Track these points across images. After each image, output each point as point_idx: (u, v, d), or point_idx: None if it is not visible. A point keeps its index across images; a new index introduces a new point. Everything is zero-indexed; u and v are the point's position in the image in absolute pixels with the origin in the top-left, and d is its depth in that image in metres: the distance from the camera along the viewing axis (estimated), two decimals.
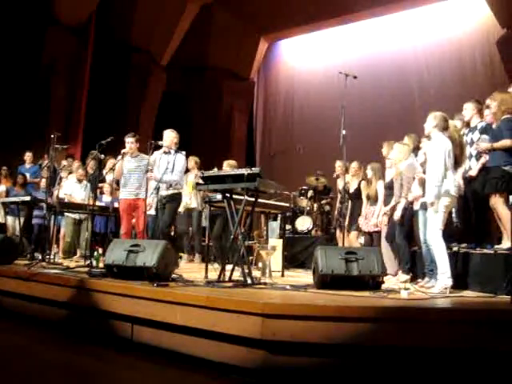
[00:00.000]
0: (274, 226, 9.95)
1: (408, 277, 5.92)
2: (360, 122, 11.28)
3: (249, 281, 4.89)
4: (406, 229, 6.10)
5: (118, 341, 4.34)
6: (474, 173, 5.57)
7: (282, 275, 6.73)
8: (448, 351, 3.39)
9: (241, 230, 5.12)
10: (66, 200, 8.77)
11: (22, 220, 8.65)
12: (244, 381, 3.47)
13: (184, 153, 7.04)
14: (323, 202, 10.21)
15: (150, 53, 14.43)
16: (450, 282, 4.60)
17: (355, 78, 6.23)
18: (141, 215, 7.17)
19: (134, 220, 7.65)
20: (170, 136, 6.99)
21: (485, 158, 5.51)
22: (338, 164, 8.30)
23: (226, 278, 5.05)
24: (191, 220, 9.07)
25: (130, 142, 7.19)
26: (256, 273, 5.59)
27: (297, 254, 9.23)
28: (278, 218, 9.81)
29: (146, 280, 4.72)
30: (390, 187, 6.73)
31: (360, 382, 3.41)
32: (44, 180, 9.72)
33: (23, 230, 8.84)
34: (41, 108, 12.12)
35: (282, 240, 7.73)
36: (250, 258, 7.41)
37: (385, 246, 6.54)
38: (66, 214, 8.85)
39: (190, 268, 7.21)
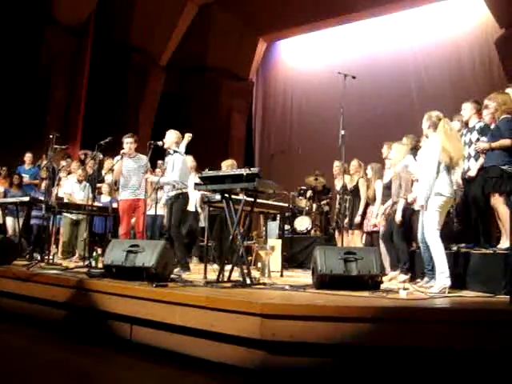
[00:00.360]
0: (273, 226, 9.96)
1: (407, 276, 5.93)
2: (359, 122, 11.29)
3: (248, 281, 4.89)
4: (403, 229, 6.11)
5: (117, 341, 4.33)
6: (472, 173, 5.57)
7: (281, 275, 6.74)
8: (447, 351, 3.39)
9: (240, 230, 5.12)
10: (65, 199, 8.76)
11: (20, 220, 8.65)
12: (243, 381, 3.47)
13: (182, 152, 6.98)
14: (323, 202, 10.22)
15: (148, 53, 14.43)
16: (448, 282, 4.61)
17: (354, 78, 6.24)
18: (140, 215, 7.18)
19: (133, 220, 7.67)
20: (169, 137, 6.97)
21: (483, 159, 5.51)
22: (336, 164, 8.32)
23: (225, 279, 5.06)
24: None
25: (129, 142, 7.19)
26: (255, 273, 5.59)
27: (296, 254, 9.24)
28: (277, 218, 9.82)
29: (145, 280, 4.72)
30: (388, 187, 6.74)
31: (359, 382, 3.41)
32: (43, 181, 9.73)
33: (22, 230, 8.83)
34: (40, 108, 12.11)
35: (280, 240, 7.74)
36: (249, 258, 7.42)
37: (384, 246, 6.56)
38: (63, 214, 8.84)
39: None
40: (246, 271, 4.98)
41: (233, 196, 5.26)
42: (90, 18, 13.20)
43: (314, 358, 3.44)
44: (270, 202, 7.55)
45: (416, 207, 5.14)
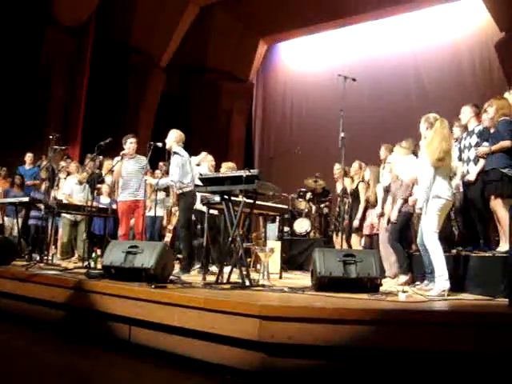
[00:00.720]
0: (273, 228, 9.97)
1: (407, 277, 5.93)
2: (359, 125, 11.29)
3: (247, 283, 4.89)
4: (399, 230, 6.12)
5: (116, 342, 4.33)
6: (472, 177, 5.57)
7: (280, 277, 6.74)
8: (446, 354, 3.39)
9: (239, 232, 5.12)
10: (64, 200, 8.77)
11: (20, 221, 8.65)
12: (242, 382, 3.46)
13: (181, 152, 6.93)
14: (323, 205, 10.22)
15: (149, 54, 14.44)
16: (447, 285, 4.60)
17: (354, 80, 6.26)
18: (140, 217, 7.19)
19: (132, 221, 7.67)
20: (169, 136, 6.97)
21: (483, 162, 5.51)
22: (337, 167, 8.33)
23: (224, 280, 5.06)
24: None
25: (133, 142, 7.23)
26: (254, 275, 5.58)
27: (295, 256, 9.24)
28: (277, 220, 9.83)
29: (144, 281, 4.71)
30: (387, 190, 6.75)
31: None
32: (43, 181, 9.74)
33: (21, 230, 8.83)
34: (40, 108, 12.12)
35: (280, 242, 7.74)
36: (248, 260, 7.42)
37: (383, 248, 6.56)
38: (62, 214, 8.84)
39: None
40: (245, 273, 4.98)
41: (232, 198, 5.25)
42: (91, 18, 13.20)
43: (312, 360, 3.44)
44: (269, 203, 7.55)
45: (417, 210, 5.14)
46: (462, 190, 5.81)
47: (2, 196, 9.84)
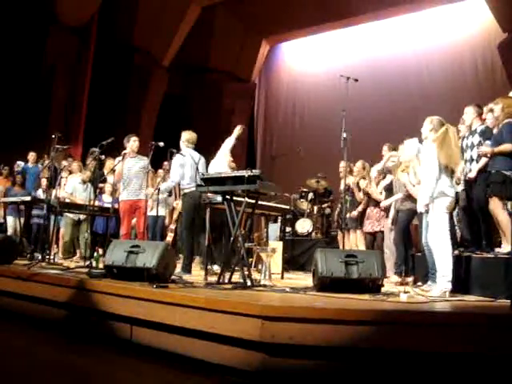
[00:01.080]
0: (274, 228, 9.96)
1: (399, 279, 5.95)
2: (361, 125, 11.27)
3: (248, 283, 4.89)
4: (403, 231, 6.14)
5: (118, 341, 4.33)
6: (472, 175, 5.57)
7: (282, 277, 6.74)
8: (447, 355, 3.38)
9: (241, 232, 5.12)
10: (66, 199, 8.77)
11: (22, 220, 8.66)
12: (242, 383, 3.46)
13: (180, 152, 6.93)
14: (325, 205, 10.22)
15: (151, 54, 14.45)
16: (449, 286, 4.60)
17: (356, 81, 6.26)
18: (141, 216, 7.20)
19: (134, 221, 7.68)
20: (181, 138, 7.01)
21: (484, 161, 5.51)
22: (342, 165, 8.33)
23: (226, 280, 5.06)
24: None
25: (136, 140, 7.28)
26: (255, 275, 5.58)
27: (297, 256, 9.24)
28: (279, 221, 9.82)
29: (146, 281, 4.72)
30: (389, 189, 6.76)
31: None
32: (44, 180, 9.73)
33: (23, 229, 8.84)
34: (42, 108, 12.14)
35: (281, 242, 7.74)
36: (250, 260, 7.41)
37: (387, 249, 6.57)
38: (65, 214, 8.84)
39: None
40: (246, 273, 4.98)
41: (234, 198, 5.25)
42: (94, 18, 13.22)
43: (313, 360, 3.43)
44: (271, 204, 7.55)
45: (418, 209, 5.14)
46: (460, 188, 5.79)
47: (2, 195, 9.85)
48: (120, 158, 7.26)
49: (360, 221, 7.72)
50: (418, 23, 13.83)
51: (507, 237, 5.02)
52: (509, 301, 3.82)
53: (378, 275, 4.70)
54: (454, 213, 5.89)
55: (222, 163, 7.53)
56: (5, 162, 10.70)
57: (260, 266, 6.14)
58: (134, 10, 13.75)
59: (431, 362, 3.38)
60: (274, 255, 6.09)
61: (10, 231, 9.52)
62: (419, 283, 5.71)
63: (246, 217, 6.80)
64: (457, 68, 12.61)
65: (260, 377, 3.43)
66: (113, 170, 7.60)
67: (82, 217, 8.97)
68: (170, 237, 9.44)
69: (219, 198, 5.74)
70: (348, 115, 6.02)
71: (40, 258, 7.18)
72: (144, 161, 7.26)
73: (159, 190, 7.65)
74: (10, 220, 9.65)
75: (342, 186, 8.27)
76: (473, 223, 5.80)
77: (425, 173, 4.92)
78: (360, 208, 7.61)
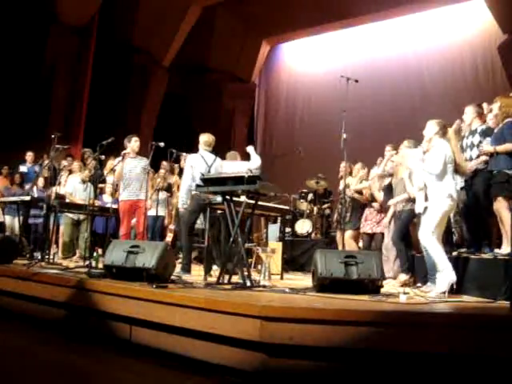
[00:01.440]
0: (274, 228, 9.96)
1: (407, 276, 5.94)
2: (361, 126, 11.28)
3: (248, 283, 4.90)
4: (402, 230, 6.14)
5: (117, 341, 4.33)
6: (471, 168, 5.56)
7: (281, 278, 6.74)
8: (446, 356, 3.38)
9: (241, 232, 5.12)
10: (67, 199, 8.77)
11: (21, 219, 8.65)
12: (242, 383, 3.46)
13: (190, 155, 6.97)
14: (324, 206, 10.22)
15: (151, 54, 14.44)
16: (454, 276, 4.63)
17: (356, 81, 6.25)
18: (141, 216, 7.20)
19: (133, 221, 7.68)
20: None
21: (484, 158, 5.52)
22: (343, 165, 8.33)
23: (225, 281, 5.06)
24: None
25: (138, 140, 7.30)
26: (255, 275, 5.58)
27: (296, 257, 9.24)
28: (278, 221, 9.82)
29: (146, 281, 4.72)
30: (388, 189, 6.76)
31: None
32: (41, 179, 9.74)
33: (22, 229, 8.83)
34: (42, 108, 12.13)
35: (281, 243, 7.74)
36: (250, 260, 7.42)
37: (385, 250, 6.57)
38: (65, 213, 8.84)
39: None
40: (246, 273, 4.98)
41: (234, 198, 5.25)
42: (94, 18, 13.21)
43: (313, 361, 3.44)
44: (271, 204, 7.56)
45: (417, 210, 5.15)
46: (460, 187, 5.79)
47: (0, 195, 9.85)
48: (120, 158, 7.27)
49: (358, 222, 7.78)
50: (418, 24, 13.83)
51: (508, 237, 5.03)
52: (508, 302, 3.82)
53: (377, 276, 4.70)
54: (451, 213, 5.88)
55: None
56: (4, 161, 10.70)
57: (259, 267, 6.14)
58: (135, 10, 13.74)
59: (431, 363, 3.38)
60: (273, 256, 6.09)
61: (7, 230, 9.51)
62: (418, 284, 5.71)
63: (246, 217, 6.80)
64: (457, 69, 12.62)
65: (260, 377, 3.44)
66: (112, 170, 7.61)
67: (81, 217, 8.97)
68: (169, 237, 9.46)
69: (219, 199, 5.74)
70: (348, 116, 6.01)
71: (39, 257, 7.18)
72: (144, 161, 7.27)
73: (158, 190, 7.69)
74: (8, 219, 9.64)
75: (341, 187, 8.29)
76: (472, 223, 5.80)
77: (428, 173, 4.92)
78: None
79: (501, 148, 5.22)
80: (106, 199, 9.23)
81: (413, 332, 3.44)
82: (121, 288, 4.50)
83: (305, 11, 14.18)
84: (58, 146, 7.90)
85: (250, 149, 7.53)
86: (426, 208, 4.92)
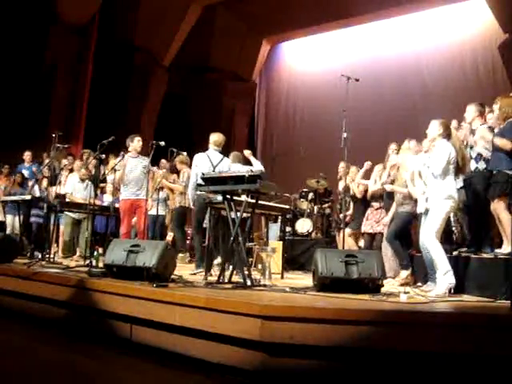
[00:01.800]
0: (274, 228, 9.96)
1: (408, 272, 5.94)
2: (361, 125, 11.27)
3: (248, 283, 4.89)
4: (398, 230, 6.13)
5: (118, 341, 4.34)
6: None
7: (282, 277, 6.73)
8: (447, 356, 3.38)
9: (241, 231, 5.12)
10: (67, 199, 8.76)
11: (21, 218, 8.65)
12: (242, 382, 3.47)
13: (196, 154, 7.01)
14: (325, 205, 10.21)
15: (152, 53, 14.44)
16: (453, 281, 4.62)
17: (357, 80, 6.24)
18: (142, 215, 7.21)
19: (134, 220, 7.68)
20: None
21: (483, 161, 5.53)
22: (342, 165, 8.32)
23: (226, 280, 5.06)
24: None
25: (141, 140, 7.34)
26: (256, 275, 5.58)
27: (297, 256, 9.23)
28: (279, 220, 9.82)
29: (146, 280, 4.73)
30: (390, 193, 6.74)
31: None
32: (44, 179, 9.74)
33: (22, 228, 8.84)
34: (43, 107, 12.15)
35: (282, 242, 7.74)
36: (250, 259, 7.42)
37: (385, 249, 6.57)
38: (65, 213, 8.84)
39: (190, 268, 7.19)
40: (246, 273, 4.98)
41: (234, 197, 5.25)
42: (94, 17, 13.21)
43: (313, 360, 3.44)
44: (271, 203, 7.56)
45: (419, 210, 5.14)
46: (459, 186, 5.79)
47: (1, 194, 9.84)
48: (120, 157, 7.29)
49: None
50: (418, 23, 13.83)
51: (508, 237, 5.02)
52: (509, 301, 3.82)
53: (377, 275, 4.70)
54: (451, 214, 5.88)
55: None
56: (5, 161, 10.70)
57: (260, 266, 6.14)
58: (135, 9, 13.74)
59: (431, 362, 3.38)
60: (274, 255, 6.09)
61: (8, 229, 9.52)
62: (419, 283, 5.70)
63: (247, 216, 6.79)
64: (457, 68, 12.61)
65: (260, 376, 3.44)
66: (113, 169, 7.61)
67: (82, 216, 8.97)
68: (170, 236, 9.45)
69: (220, 198, 5.75)
70: (348, 115, 6.01)
71: (40, 256, 7.19)
72: (146, 161, 7.29)
73: (159, 189, 7.71)
74: (9, 218, 9.64)
75: (340, 187, 8.31)
76: (472, 223, 5.80)
77: (430, 173, 4.91)
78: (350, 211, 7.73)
79: (498, 141, 5.19)
80: (107, 198, 9.23)
81: (413, 331, 3.44)
82: (121, 287, 4.50)
83: (305, 11, 14.18)
84: (58, 145, 7.90)
85: (248, 153, 7.48)
86: (427, 209, 4.92)
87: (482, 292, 4.73)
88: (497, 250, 5.23)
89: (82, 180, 9.06)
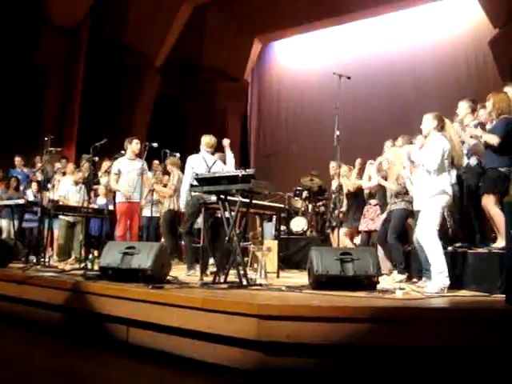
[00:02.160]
0: (269, 227, 9.96)
1: (404, 276, 5.94)
2: (354, 123, 11.31)
3: (244, 282, 4.89)
4: (397, 228, 6.13)
5: (114, 343, 4.33)
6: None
7: (278, 276, 6.74)
8: (443, 351, 3.39)
9: (236, 231, 5.12)
10: (60, 202, 8.73)
11: (16, 223, 8.62)
12: (240, 382, 3.47)
13: (191, 156, 6.97)
14: (319, 203, 10.22)
15: (143, 54, 14.42)
16: (447, 282, 4.62)
17: (349, 78, 6.24)
18: (136, 218, 7.23)
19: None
20: None
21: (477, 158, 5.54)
22: (332, 165, 8.33)
23: (222, 280, 5.06)
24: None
25: (139, 143, 7.32)
26: (251, 274, 5.59)
27: (292, 254, 9.24)
28: (273, 219, 9.82)
29: (142, 282, 4.72)
30: (383, 190, 6.75)
31: (356, 383, 3.42)
32: (35, 183, 9.70)
33: (17, 233, 8.80)
34: (34, 109, 12.10)
35: (277, 241, 7.74)
36: (246, 259, 7.41)
37: (380, 246, 6.58)
38: (59, 216, 8.80)
39: (183, 269, 7.17)
40: (242, 272, 4.98)
41: (229, 197, 5.25)
42: (85, 18, 13.17)
43: (310, 358, 3.44)
44: (265, 202, 7.56)
45: (416, 207, 5.15)
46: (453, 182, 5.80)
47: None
48: (120, 159, 7.28)
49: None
50: (409, 20, 13.89)
51: (500, 232, 5.04)
52: (504, 296, 3.84)
53: (373, 272, 4.71)
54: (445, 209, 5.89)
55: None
56: None
57: (256, 265, 6.14)
58: (126, 9, 13.73)
59: (429, 357, 3.39)
60: (269, 254, 6.09)
61: (4, 234, 9.48)
62: (414, 280, 5.71)
63: (241, 216, 6.78)
64: (449, 64, 12.65)
65: (258, 376, 3.44)
66: (107, 172, 7.59)
67: (76, 219, 8.94)
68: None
69: (214, 198, 5.74)
70: (341, 113, 6.01)
71: (35, 260, 7.17)
72: (143, 163, 7.29)
73: (153, 190, 7.69)
74: (5, 223, 9.60)
75: (333, 186, 8.32)
76: (466, 218, 5.82)
77: (425, 168, 4.91)
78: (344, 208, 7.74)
79: (486, 136, 5.21)
80: (100, 201, 9.20)
81: (410, 327, 3.45)
82: (117, 289, 4.49)
83: (296, 9, 14.20)
84: (51, 148, 7.87)
85: (227, 144, 7.30)
86: (423, 205, 4.92)
87: (478, 287, 4.75)
88: (492, 245, 5.24)
89: (76, 183, 9.03)
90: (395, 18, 14.14)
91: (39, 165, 9.37)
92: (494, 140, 5.12)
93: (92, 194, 9.22)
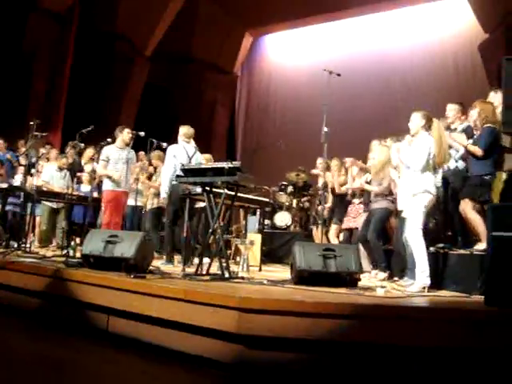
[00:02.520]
0: (253, 220, 9.96)
1: (385, 274, 5.98)
2: (342, 120, 11.31)
3: (226, 275, 4.90)
4: (379, 228, 6.16)
5: (94, 331, 4.31)
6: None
7: (260, 270, 6.75)
8: (422, 349, 3.43)
9: (220, 223, 5.11)
10: (43, 188, 8.65)
11: None
12: (220, 374, 3.47)
13: (171, 145, 6.93)
14: (304, 198, 10.24)
15: (133, 42, 14.31)
16: (428, 281, 4.66)
17: (339, 75, 6.25)
18: (122, 207, 7.20)
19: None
20: None
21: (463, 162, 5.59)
22: (319, 161, 8.34)
23: (204, 272, 5.06)
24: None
25: (131, 133, 7.27)
26: (234, 267, 5.59)
27: (275, 249, 9.26)
28: (257, 213, 9.82)
29: (123, 271, 4.69)
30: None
31: (336, 378, 3.44)
32: (21, 168, 9.59)
33: None
34: (21, 95, 11.95)
35: (260, 235, 7.75)
36: (228, 252, 7.42)
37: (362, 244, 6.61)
38: (42, 202, 8.72)
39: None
40: (224, 265, 4.98)
41: (214, 189, 5.24)
42: (75, 4, 13.02)
43: (291, 352, 3.45)
44: (250, 196, 7.55)
45: (399, 207, 5.18)
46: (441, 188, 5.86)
47: None
48: (109, 147, 7.21)
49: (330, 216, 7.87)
50: (401, 20, 13.95)
51: (480, 234, 5.10)
52: (483, 297, 3.88)
53: (355, 269, 4.74)
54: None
55: None
56: None
57: (238, 259, 6.15)
58: None
59: (407, 355, 3.42)
60: (252, 247, 6.10)
61: None
62: (395, 278, 5.76)
63: (226, 209, 6.77)
64: (439, 65, 12.72)
65: (238, 368, 3.45)
66: (91, 159, 7.53)
67: (60, 205, 8.87)
68: None
69: (199, 190, 5.73)
70: (330, 109, 6.01)
71: (16, 246, 7.10)
72: (132, 153, 7.25)
73: (138, 179, 7.64)
74: None
75: (320, 183, 8.33)
76: (449, 220, 5.87)
77: (408, 166, 4.94)
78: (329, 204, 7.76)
79: (470, 147, 5.29)
80: (84, 188, 9.13)
81: (390, 325, 3.48)
82: (98, 278, 4.47)
83: (289, 4, 14.17)
84: (36, 133, 7.79)
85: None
86: (406, 205, 4.95)
87: (458, 287, 4.81)
88: (474, 247, 5.30)
89: (60, 169, 8.96)
90: (387, 17, 14.19)
91: (23, 149, 9.26)
92: (478, 153, 5.21)
93: (75, 181, 9.14)
